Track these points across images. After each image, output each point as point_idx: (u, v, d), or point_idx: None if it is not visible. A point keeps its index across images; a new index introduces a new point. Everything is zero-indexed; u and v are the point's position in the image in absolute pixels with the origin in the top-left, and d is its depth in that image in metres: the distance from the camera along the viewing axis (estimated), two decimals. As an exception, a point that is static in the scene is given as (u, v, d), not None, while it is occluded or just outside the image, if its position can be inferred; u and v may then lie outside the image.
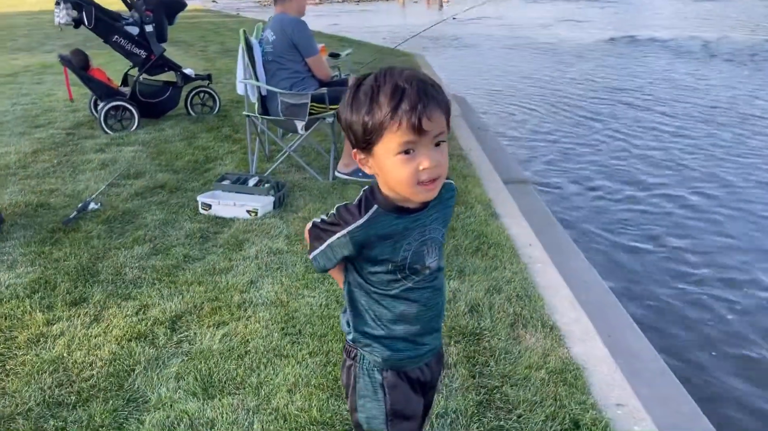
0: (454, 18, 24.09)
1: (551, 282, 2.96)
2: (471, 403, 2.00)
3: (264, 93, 4.21)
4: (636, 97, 8.86)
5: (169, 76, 5.88)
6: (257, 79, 4.16)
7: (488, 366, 2.20)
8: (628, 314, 3.29)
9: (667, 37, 15.65)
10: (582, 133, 7.16)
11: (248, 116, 4.26)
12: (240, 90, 4.36)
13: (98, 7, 5.25)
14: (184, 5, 5.67)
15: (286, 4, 4.20)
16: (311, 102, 4.02)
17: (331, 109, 4.10)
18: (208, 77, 6.04)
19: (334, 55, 5.60)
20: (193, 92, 6.03)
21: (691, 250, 4.20)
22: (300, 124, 4.08)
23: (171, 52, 10.54)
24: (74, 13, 5.20)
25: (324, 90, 4.04)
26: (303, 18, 4.27)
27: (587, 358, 2.31)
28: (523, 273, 2.93)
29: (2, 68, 9.04)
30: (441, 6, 32.80)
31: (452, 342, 2.33)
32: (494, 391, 2.07)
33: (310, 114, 4.07)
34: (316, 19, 25.61)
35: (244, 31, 4.10)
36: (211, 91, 6.09)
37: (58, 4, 5.18)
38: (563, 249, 3.86)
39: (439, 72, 10.08)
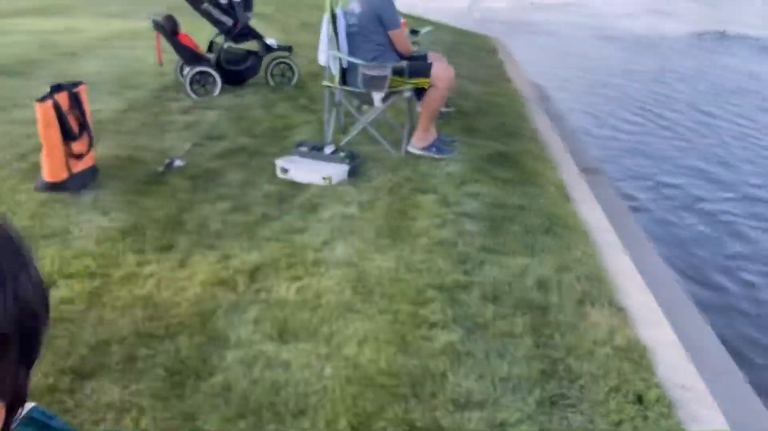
0: (532, 3, 23.73)
1: (622, 267, 2.95)
2: (535, 371, 2.05)
3: (345, 65, 4.31)
4: (725, 102, 8.53)
5: (251, 45, 6.06)
6: (340, 51, 4.26)
7: (553, 338, 2.24)
8: (697, 309, 3.25)
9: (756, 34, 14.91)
10: (660, 131, 6.98)
11: (327, 87, 4.37)
12: (322, 60, 4.47)
13: (189, -25, 5.47)
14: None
15: None
16: (391, 75, 4.09)
17: (411, 83, 4.16)
18: (289, 49, 6.19)
19: (414, 32, 5.64)
20: (274, 63, 6.19)
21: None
22: (378, 96, 4.16)
23: (252, 23, 10.93)
24: (169, -20, 5.44)
25: (404, 63, 4.10)
26: None
27: (654, 341, 2.31)
28: (595, 256, 2.94)
29: (98, 32, 9.52)
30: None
31: (519, 314, 2.38)
32: (558, 362, 2.11)
33: (389, 87, 4.15)
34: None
35: (331, 2, 4.19)
36: (291, 63, 6.25)
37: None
38: (636, 237, 3.82)
39: (516, 57, 9.96)
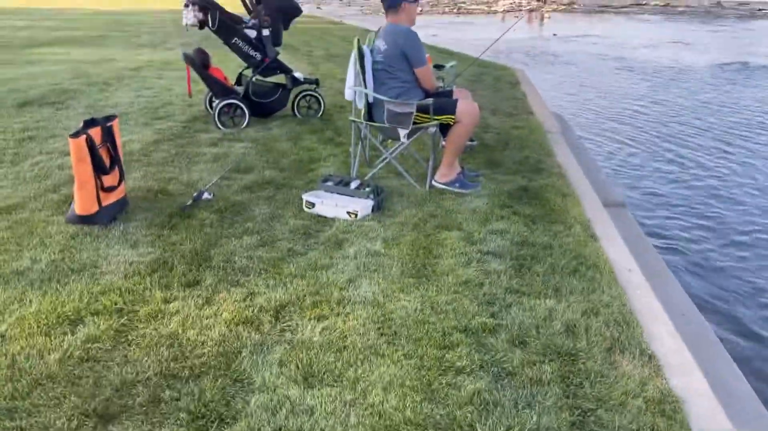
0: (554, 34, 23.87)
1: (650, 309, 2.89)
2: (564, 423, 2.01)
3: (371, 100, 4.35)
4: (747, 131, 8.41)
5: (279, 78, 6.16)
6: (366, 87, 4.30)
7: (582, 387, 2.19)
8: (726, 350, 3.17)
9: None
10: (681, 165, 6.89)
11: (353, 122, 4.42)
12: (348, 96, 4.52)
13: (222, 11, 5.59)
14: (300, 11, 5.94)
15: (398, 14, 4.32)
16: (416, 112, 4.12)
17: (435, 119, 4.18)
18: (316, 82, 6.28)
19: (438, 67, 5.69)
20: (301, 95, 6.28)
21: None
22: (403, 132, 4.19)
23: (280, 56, 11.10)
24: (200, 15, 5.57)
25: (429, 101, 4.14)
26: (413, 28, 4.39)
27: (687, 391, 2.25)
28: (622, 298, 2.88)
29: (128, 62, 9.76)
30: (542, 21, 32.43)
31: (547, 361, 2.34)
32: (588, 413, 2.06)
33: (414, 123, 4.17)
34: (416, 29, 25.86)
35: (359, 40, 4.25)
36: (317, 95, 6.33)
37: (186, 6, 5.56)
38: (661, 275, 3.76)
39: (538, 88, 9.97)
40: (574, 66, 14.56)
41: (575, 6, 42.41)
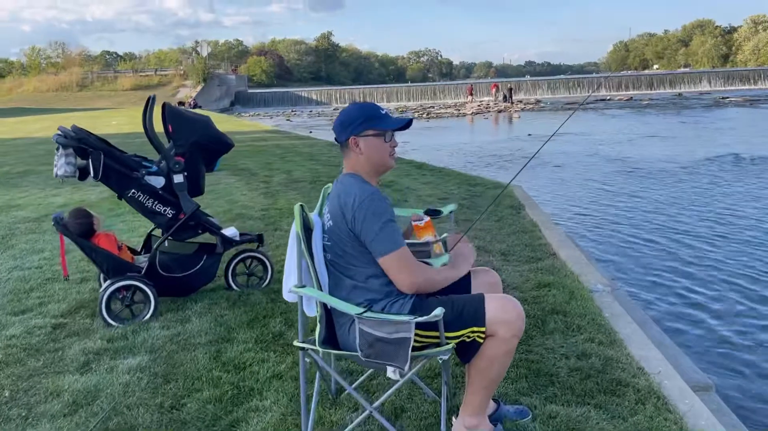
0: (529, 134, 22.93)
1: None
2: None
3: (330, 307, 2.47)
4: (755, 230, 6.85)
5: (206, 237, 4.33)
6: (319, 283, 2.45)
7: None
8: None
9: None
10: (705, 274, 5.20)
11: (302, 349, 2.49)
12: (288, 296, 2.64)
13: (109, 153, 3.82)
14: (229, 146, 4.19)
15: (350, 157, 2.51)
16: (413, 333, 2.23)
17: (449, 339, 2.32)
18: (259, 239, 4.45)
19: (433, 213, 3.93)
20: (238, 258, 4.43)
21: None
22: (392, 370, 2.28)
23: (230, 184, 9.27)
24: (78, 161, 3.79)
25: (439, 313, 2.24)
26: (377, 185, 2.50)
27: None
28: None
29: (34, 209, 7.89)
30: (511, 121, 31.93)
31: None
32: None
33: (414, 344, 2.28)
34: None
35: (302, 207, 2.43)
36: (262, 257, 4.48)
37: (57, 149, 3.79)
38: None
39: (538, 200, 8.33)
40: (560, 168, 13.14)
41: (542, 104, 42.63)
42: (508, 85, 48.39)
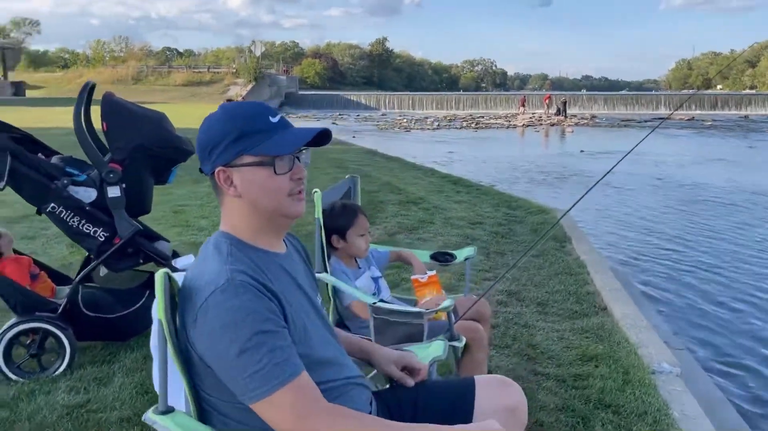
0: (582, 151, 21.49)
1: None
2: None
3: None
4: None
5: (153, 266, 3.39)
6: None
7: None
8: None
9: None
10: None
11: None
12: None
13: (19, 154, 2.92)
14: (186, 152, 3.23)
15: (225, 202, 1.48)
16: None
17: None
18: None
19: (444, 258, 2.95)
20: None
21: None
22: None
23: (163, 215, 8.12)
24: (-19, 164, 2.90)
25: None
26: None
27: None
28: None
29: None
30: (564, 135, 30.41)
31: None
32: None
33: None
34: (432, 146, 23.91)
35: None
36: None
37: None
38: None
39: (588, 230, 7.15)
40: (617, 191, 11.79)
41: (597, 120, 40.82)
42: (563, 98, 46.66)
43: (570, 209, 2.86)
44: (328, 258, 2.57)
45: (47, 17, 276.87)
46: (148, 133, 3.07)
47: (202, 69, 64.63)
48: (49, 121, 23.69)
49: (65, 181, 2.98)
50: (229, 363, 1.27)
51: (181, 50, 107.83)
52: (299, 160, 1.42)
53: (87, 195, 3.05)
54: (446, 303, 2.22)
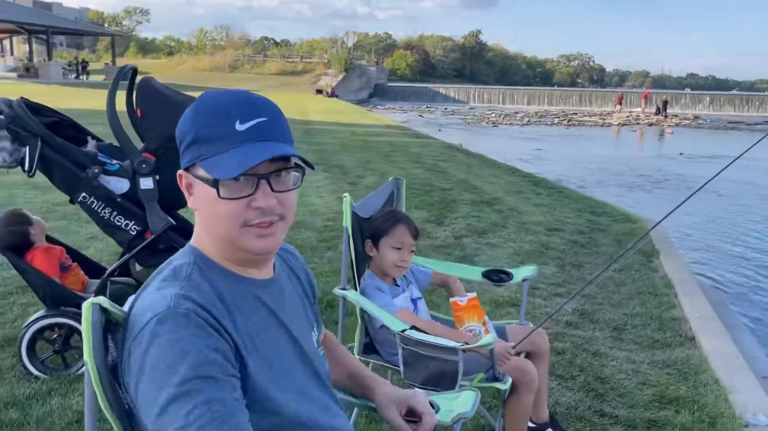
0: (681, 154, 20.01)
1: None
2: None
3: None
4: None
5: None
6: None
7: None
8: None
9: None
10: None
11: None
12: None
13: (51, 141, 2.78)
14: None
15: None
16: None
17: None
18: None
19: (500, 278, 2.57)
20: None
21: None
22: None
23: (313, 182, 8.04)
24: (13, 148, 2.79)
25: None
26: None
27: None
28: None
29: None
30: (662, 136, 28.58)
31: None
32: None
33: None
34: (520, 142, 23.07)
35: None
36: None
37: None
38: None
39: (681, 245, 6.46)
40: (722, 199, 10.72)
41: (700, 121, 38.23)
42: (663, 97, 44.09)
43: (662, 220, 2.38)
44: (360, 273, 2.26)
45: (157, 6, 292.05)
46: (185, 122, 2.86)
47: (295, 59, 65.98)
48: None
49: (96, 170, 2.82)
50: (155, 413, 0.98)
51: (278, 40, 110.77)
52: (269, 185, 1.10)
53: (119, 185, 2.89)
54: (487, 339, 1.85)
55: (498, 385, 1.99)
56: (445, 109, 45.57)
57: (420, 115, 38.44)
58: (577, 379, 3.11)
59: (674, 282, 4.66)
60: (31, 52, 45.65)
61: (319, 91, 48.31)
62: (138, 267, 3.08)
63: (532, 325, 2.51)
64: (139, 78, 3.02)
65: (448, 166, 10.42)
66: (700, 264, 6.64)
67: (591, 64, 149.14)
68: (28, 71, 38.98)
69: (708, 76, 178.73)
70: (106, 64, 48.43)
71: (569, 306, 4.00)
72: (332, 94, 47.04)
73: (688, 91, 69.32)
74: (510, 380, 2.02)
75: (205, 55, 71.03)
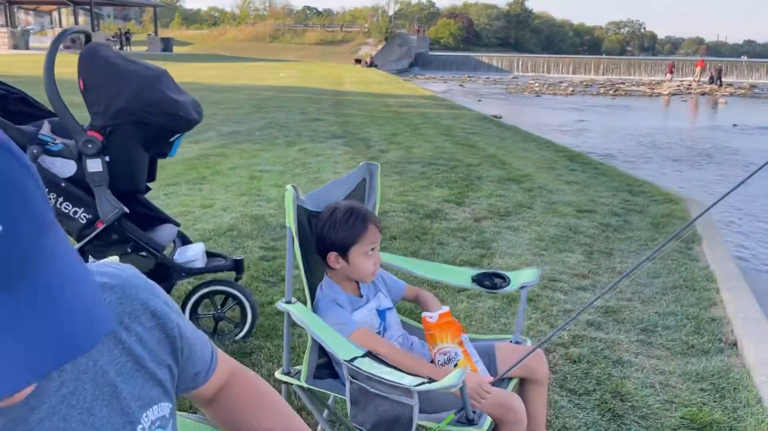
0: (735, 125, 18.83)
1: None
2: None
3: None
4: None
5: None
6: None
7: None
8: None
9: None
10: None
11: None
12: None
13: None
14: (189, 121, 2.62)
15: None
16: None
17: None
18: (236, 266, 2.90)
19: (493, 283, 2.14)
20: (199, 293, 2.91)
21: None
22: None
23: (331, 155, 7.65)
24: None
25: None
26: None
27: None
28: None
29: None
30: (716, 106, 27.08)
31: None
32: None
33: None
34: (562, 113, 22.12)
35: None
36: (238, 294, 2.92)
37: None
38: None
39: (728, 232, 5.86)
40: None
41: (756, 90, 36.17)
42: (718, 65, 41.91)
43: (711, 207, 1.89)
44: (313, 280, 1.85)
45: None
46: (136, 93, 2.48)
47: (335, 28, 65.20)
48: (184, 76, 24.63)
49: (35, 151, 2.47)
50: None
51: (320, 9, 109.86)
52: None
53: (66, 168, 2.54)
54: (449, 379, 1.43)
55: (471, 430, 1.57)
56: (487, 78, 44.37)
57: (461, 85, 37.45)
58: (593, 395, 2.66)
59: (717, 276, 4.12)
60: (77, 23, 46.31)
61: (358, 61, 47.65)
62: (92, 260, 2.76)
63: (529, 343, 2.08)
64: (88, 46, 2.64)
65: (479, 140, 9.86)
66: (751, 254, 6.00)
67: (642, 31, 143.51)
68: (74, 42, 39.51)
69: (767, 43, 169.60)
70: (148, 35, 48.72)
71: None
72: (371, 64, 46.32)
73: (744, 58, 65.82)
74: (488, 422, 1.61)
75: (246, 25, 70.88)
